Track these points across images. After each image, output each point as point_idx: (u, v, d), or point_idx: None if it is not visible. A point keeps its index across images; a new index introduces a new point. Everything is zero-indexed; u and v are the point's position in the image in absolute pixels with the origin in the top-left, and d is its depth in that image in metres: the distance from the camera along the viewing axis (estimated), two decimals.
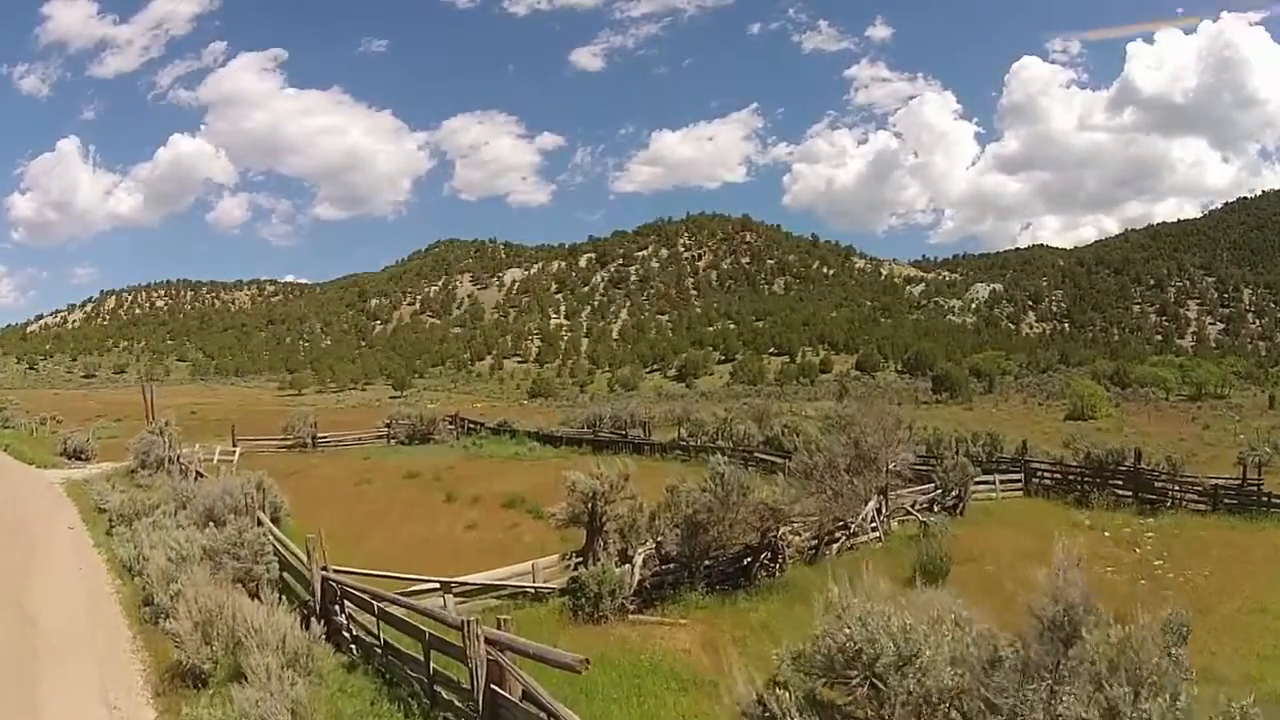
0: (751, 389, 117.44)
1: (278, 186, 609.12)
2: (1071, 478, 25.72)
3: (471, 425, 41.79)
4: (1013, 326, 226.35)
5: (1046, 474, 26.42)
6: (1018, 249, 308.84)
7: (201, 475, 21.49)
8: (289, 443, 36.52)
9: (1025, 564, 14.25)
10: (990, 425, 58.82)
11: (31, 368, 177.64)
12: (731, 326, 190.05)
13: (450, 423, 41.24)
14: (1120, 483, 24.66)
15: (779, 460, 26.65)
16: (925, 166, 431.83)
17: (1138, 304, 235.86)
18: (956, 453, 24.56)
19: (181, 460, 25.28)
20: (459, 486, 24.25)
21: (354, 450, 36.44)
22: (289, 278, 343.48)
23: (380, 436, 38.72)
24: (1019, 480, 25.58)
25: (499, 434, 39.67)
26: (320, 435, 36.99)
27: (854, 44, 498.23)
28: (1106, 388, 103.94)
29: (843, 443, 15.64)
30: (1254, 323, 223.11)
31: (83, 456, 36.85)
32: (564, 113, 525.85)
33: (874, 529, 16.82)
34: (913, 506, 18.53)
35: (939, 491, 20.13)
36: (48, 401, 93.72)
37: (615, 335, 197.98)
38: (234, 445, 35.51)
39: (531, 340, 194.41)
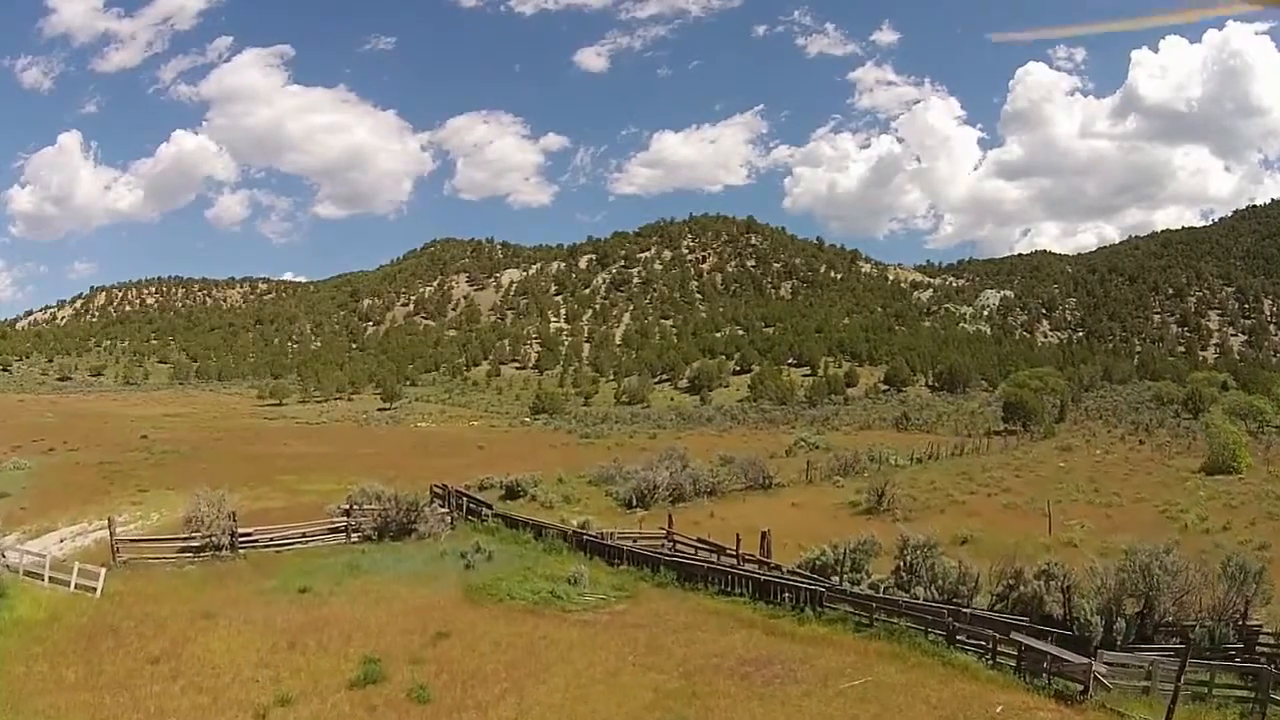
0: (780, 407, 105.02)
1: (278, 184, 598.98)
2: None
3: (472, 506, 29.02)
4: (1028, 335, 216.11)
5: None
6: (1021, 255, 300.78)
7: None
8: (196, 543, 23.92)
9: None
10: (1115, 482, 46.20)
11: (4, 369, 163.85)
12: (740, 333, 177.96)
13: (441, 503, 28.53)
14: None
15: (1066, 656, 14.25)
16: (927, 171, 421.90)
17: (1158, 314, 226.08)
18: None
19: None
20: None
21: (291, 561, 23.76)
22: (287, 275, 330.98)
23: (336, 530, 25.93)
24: None
25: (514, 526, 26.99)
26: (244, 532, 24.26)
27: (860, 48, 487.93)
28: (1177, 412, 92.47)
29: None
30: (1276, 334, 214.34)
31: None
32: (569, 113, 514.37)
33: None
34: None
35: None
36: (6, 411, 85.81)
37: (618, 341, 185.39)
38: (113, 550, 23.03)
39: (530, 345, 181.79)
